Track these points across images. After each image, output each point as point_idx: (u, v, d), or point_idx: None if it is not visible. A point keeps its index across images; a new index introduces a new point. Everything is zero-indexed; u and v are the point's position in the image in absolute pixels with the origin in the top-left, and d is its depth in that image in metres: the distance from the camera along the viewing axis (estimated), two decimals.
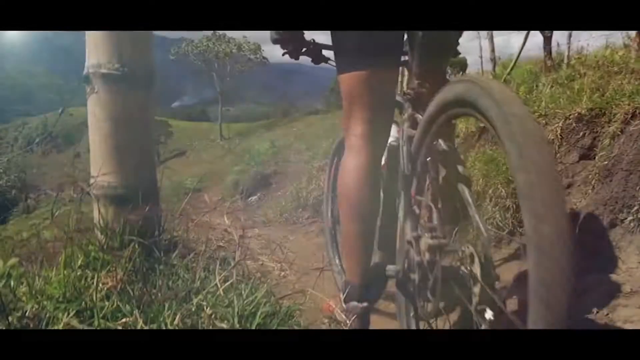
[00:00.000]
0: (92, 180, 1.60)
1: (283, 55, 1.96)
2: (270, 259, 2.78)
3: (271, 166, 8.89)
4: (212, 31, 26.13)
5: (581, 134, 2.85)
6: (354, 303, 1.56)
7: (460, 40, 1.76)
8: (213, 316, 1.05)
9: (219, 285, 1.16)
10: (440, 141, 1.35)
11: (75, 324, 0.94)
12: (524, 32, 5.85)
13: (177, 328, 0.97)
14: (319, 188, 5.30)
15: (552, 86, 4.23)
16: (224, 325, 1.02)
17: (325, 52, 2.02)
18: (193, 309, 1.07)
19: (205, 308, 1.07)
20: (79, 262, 1.27)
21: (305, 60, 2.08)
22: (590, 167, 2.69)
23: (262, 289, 1.23)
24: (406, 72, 2.13)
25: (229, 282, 1.20)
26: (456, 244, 1.30)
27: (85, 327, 0.93)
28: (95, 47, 1.76)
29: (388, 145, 1.79)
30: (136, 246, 1.33)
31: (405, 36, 1.65)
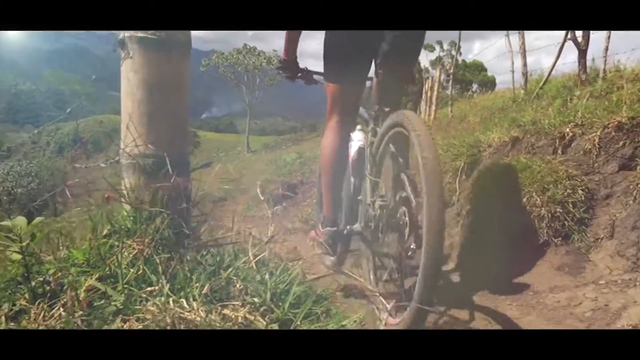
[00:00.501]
0: (121, 147, 1.56)
1: (286, 78, 2.68)
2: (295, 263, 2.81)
3: (298, 176, 8.89)
4: (242, 44, 26.51)
5: (621, 143, 2.73)
6: (328, 228, 2.39)
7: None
8: (244, 291, 1.00)
9: (251, 258, 1.12)
10: (391, 145, 2.08)
11: (98, 285, 0.90)
12: (557, 49, 5.75)
13: (205, 300, 0.93)
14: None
15: (587, 99, 4.11)
16: (256, 300, 0.97)
17: (314, 76, 2.70)
18: (223, 283, 1.02)
19: (235, 283, 1.02)
20: (105, 231, 1.24)
21: None
22: (631, 178, 2.58)
23: (296, 269, 1.20)
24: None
25: (260, 256, 1.16)
26: (396, 206, 1.96)
27: (109, 289, 0.88)
28: None
29: (357, 147, 2.63)
30: (165, 216, 1.29)
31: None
